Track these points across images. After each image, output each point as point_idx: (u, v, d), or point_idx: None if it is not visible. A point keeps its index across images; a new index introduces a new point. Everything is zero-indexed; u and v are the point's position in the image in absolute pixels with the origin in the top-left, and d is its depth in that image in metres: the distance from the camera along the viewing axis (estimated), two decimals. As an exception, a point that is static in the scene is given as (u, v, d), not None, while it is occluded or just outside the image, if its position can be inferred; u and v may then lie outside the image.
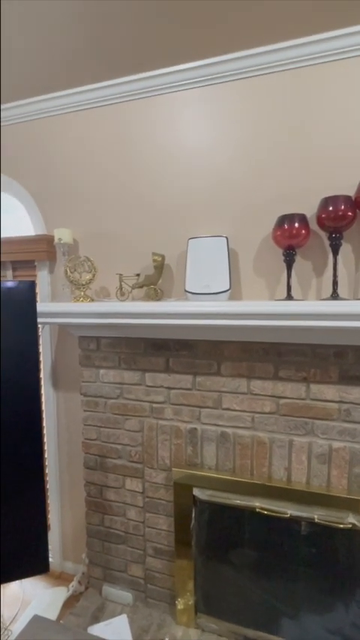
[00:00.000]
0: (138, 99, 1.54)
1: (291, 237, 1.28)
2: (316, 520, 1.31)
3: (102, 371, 1.63)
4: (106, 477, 1.70)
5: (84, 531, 1.85)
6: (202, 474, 1.47)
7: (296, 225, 1.27)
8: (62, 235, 1.61)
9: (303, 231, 1.28)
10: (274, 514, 1.36)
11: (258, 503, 1.39)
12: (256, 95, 1.39)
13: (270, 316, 1.19)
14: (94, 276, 1.54)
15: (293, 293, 1.36)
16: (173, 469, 1.52)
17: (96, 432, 1.68)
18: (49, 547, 2.06)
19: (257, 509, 1.38)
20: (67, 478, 1.92)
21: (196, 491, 1.48)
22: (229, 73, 1.39)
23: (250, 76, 1.38)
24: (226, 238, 1.39)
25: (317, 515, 1.32)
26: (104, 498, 1.72)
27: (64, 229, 1.62)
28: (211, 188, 1.48)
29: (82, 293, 1.54)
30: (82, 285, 1.53)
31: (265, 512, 1.37)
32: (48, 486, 1.99)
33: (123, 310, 1.36)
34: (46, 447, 1.95)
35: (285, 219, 1.29)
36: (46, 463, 1.96)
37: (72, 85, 1.58)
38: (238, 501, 1.42)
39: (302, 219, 1.28)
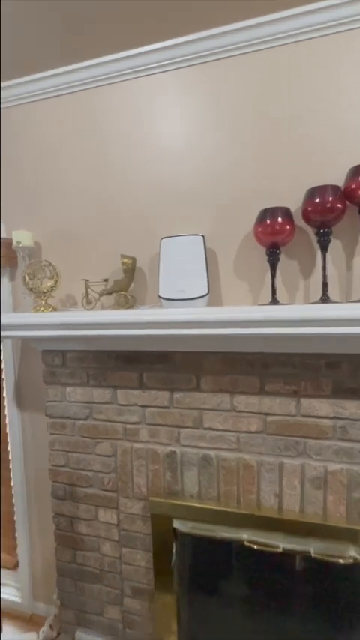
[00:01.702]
0: (104, 85, 1.39)
1: (274, 233, 1.14)
2: (313, 554, 1.15)
3: (69, 389, 1.45)
4: (77, 508, 1.51)
5: (55, 568, 1.65)
6: (183, 503, 1.30)
7: (280, 219, 1.13)
8: (21, 238, 1.44)
9: (287, 227, 1.14)
10: (264, 548, 1.20)
11: (246, 536, 1.22)
12: (235, 79, 1.25)
13: (253, 323, 1.04)
14: (56, 282, 1.37)
15: (279, 296, 1.22)
16: (150, 498, 1.35)
17: (64, 458, 1.50)
18: (18, 585, 1.86)
19: (246, 543, 1.22)
20: (35, 509, 1.73)
21: (176, 523, 1.31)
22: (203, 53, 1.25)
23: (227, 57, 1.24)
24: (203, 237, 1.24)
25: (314, 548, 1.16)
26: (76, 532, 1.53)
27: (24, 231, 1.45)
28: (185, 182, 1.34)
29: (44, 302, 1.36)
30: (43, 292, 1.36)
31: (255, 547, 1.20)
32: (15, 518, 1.78)
33: (89, 320, 1.20)
34: (12, 475, 1.75)
35: (267, 214, 1.15)
36: (12, 492, 1.76)
37: (30, 72, 1.42)
38: (224, 534, 1.25)
39: (286, 213, 1.14)
